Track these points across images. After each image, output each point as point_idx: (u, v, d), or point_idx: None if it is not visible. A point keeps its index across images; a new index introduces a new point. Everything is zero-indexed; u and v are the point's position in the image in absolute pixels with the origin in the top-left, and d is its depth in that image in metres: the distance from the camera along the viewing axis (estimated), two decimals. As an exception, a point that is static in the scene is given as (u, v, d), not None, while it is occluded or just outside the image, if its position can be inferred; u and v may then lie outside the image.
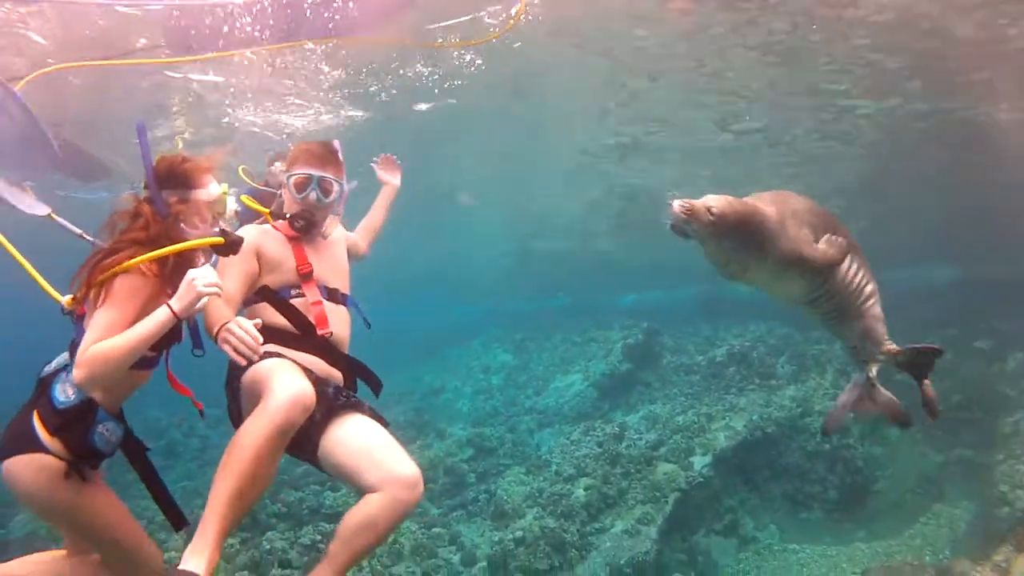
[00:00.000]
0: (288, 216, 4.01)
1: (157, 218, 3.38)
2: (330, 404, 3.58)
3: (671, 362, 18.94)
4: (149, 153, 3.40)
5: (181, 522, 3.93)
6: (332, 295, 4.06)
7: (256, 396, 3.31)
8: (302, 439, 3.46)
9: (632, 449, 13.85)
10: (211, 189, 3.50)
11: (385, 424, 3.75)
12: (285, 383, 3.21)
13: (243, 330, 3.21)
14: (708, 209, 4.41)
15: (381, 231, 4.99)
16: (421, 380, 24.69)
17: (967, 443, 15.70)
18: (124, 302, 3.19)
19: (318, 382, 3.54)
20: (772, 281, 5.04)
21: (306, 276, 3.94)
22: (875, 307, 5.58)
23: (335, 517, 12.49)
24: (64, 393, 3.34)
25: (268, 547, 10.56)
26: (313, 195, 3.95)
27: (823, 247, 4.84)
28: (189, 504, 13.89)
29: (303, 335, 3.83)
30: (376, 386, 4.13)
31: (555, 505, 12.50)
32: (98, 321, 3.16)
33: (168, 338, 3.36)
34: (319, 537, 11.25)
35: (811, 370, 16.95)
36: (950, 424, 16.08)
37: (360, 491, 3.43)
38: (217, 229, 3.49)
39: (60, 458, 3.31)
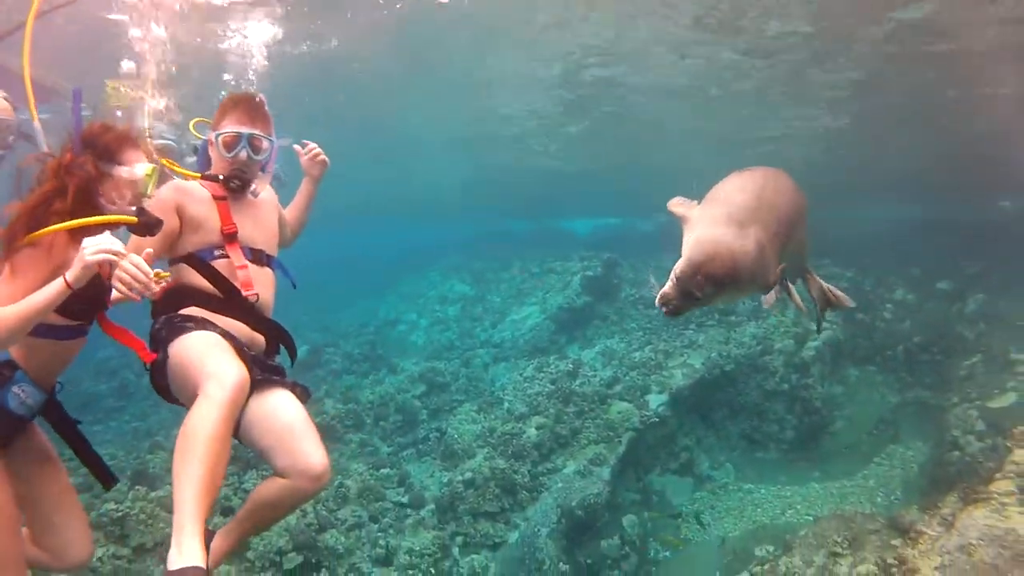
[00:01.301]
0: (222, 178, 3.90)
1: (79, 190, 3.28)
2: (253, 378, 3.46)
3: (630, 295, 18.48)
4: (81, 122, 3.38)
5: (110, 480, 4.03)
6: (257, 257, 3.97)
7: (187, 377, 3.32)
8: None
9: (586, 387, 13.47)
10: (136, 168, 3.39)
11: (307, 395, 3.79)
12: (223, 368, 3.18)
13: (133, 265, 3.09)
14: (693, 294, 4.07)
15: (302, 229, 4.82)
16: (376, 312, 24.16)
17: (925, 384, 15.67)
18: (27, 272, 3.15)
19: (242, 350, 3.52)
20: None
21: (230, 237, 3.85)
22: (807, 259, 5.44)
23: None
24: None
25: (209, 494, 10.03)
26: (244, 153, 3.86)
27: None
28: (140, 445, 13.44)
29: (227, 299, 3.77)
30: (293, 354, 4.12)
31: (506, 445, 12.13)
32: (5, 286, 3.13)
33: (94, 306, 3.46)
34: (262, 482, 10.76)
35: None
36: (909, 365, 16.06)
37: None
38: (134, 208, 3.39)
39: None
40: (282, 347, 4.11)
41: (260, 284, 3.90)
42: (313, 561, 9.58)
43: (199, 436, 2.95)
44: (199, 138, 5.97)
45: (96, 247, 3.02)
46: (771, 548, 10.91)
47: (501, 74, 14.08)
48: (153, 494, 9.27)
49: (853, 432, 14.82)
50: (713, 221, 4.28)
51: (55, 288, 3.04)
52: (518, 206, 33.41)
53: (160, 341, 3.58)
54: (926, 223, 23.95)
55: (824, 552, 8.73)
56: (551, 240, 25.60)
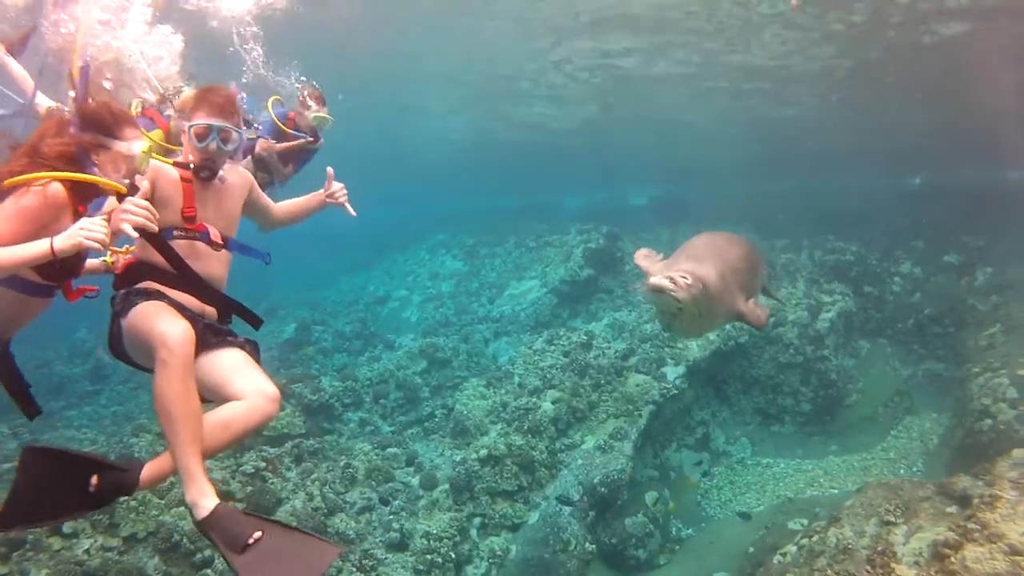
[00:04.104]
0: (192, 168, 4.06)
1: (75, 149, 3.61)
2: (200, 337, 3.75)
3: (634, 268, 17.84)
4: (84, 95, 3.97)
5: (35, 410, 4.26)
6: (212, 238, 4.16)
7: (140, 341, 3.61)
8: None
9: (601, 359, 12.84)
10: (133, 146, 3.70)
11: (257, 351, 4.15)
12: (168, 329, 3.42)
13: (136, 205, 3.50)
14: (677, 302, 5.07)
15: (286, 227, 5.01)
16: (364, 289, 23.33)
17: (937, 357, 15.39)
18: (15, 219, 3.40)
19: (192, 318, 3.76)
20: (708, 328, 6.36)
21: (189, 219, 4.05)
22: None
23: (279, 440, 11.26)
24: None
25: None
26: (214, 144, 4.01)
27: (754, 311, 5.91)
28: (121, 430, 12.63)
29: (179, 274, 3.99)
30: (255, 322, 4.41)
31: (521, 420, 11.45)
32: None
33: (68, 270, 3.77)
34: (263, 464, 10.01)
35: (782, 279, 16.13)
36: (921, 338, 15.73)
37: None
38: (127, 181, 3.70)
39: None
40: (244, 319, 4.39)
41: (213, 263, 4.13)
42: (323, 547, 8.88)
43: (167, 400, 3.32)
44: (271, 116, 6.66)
45: (91, 232, 3.28)
46: (805, 521, 10.42)
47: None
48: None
49: (868, 405, 14.43)
50: (675, 261, 5.54)
51: (40, 249, 3.28)
52: (505, 182, 32.72)
53: (116, 314, 3.84)
54: (924, 195, 23.75)
55: (875, 521, 8.24)
56: (541, 215, 24.87)
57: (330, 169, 4.91)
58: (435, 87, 17.44)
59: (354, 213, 5.13)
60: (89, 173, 3.61)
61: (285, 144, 6.82)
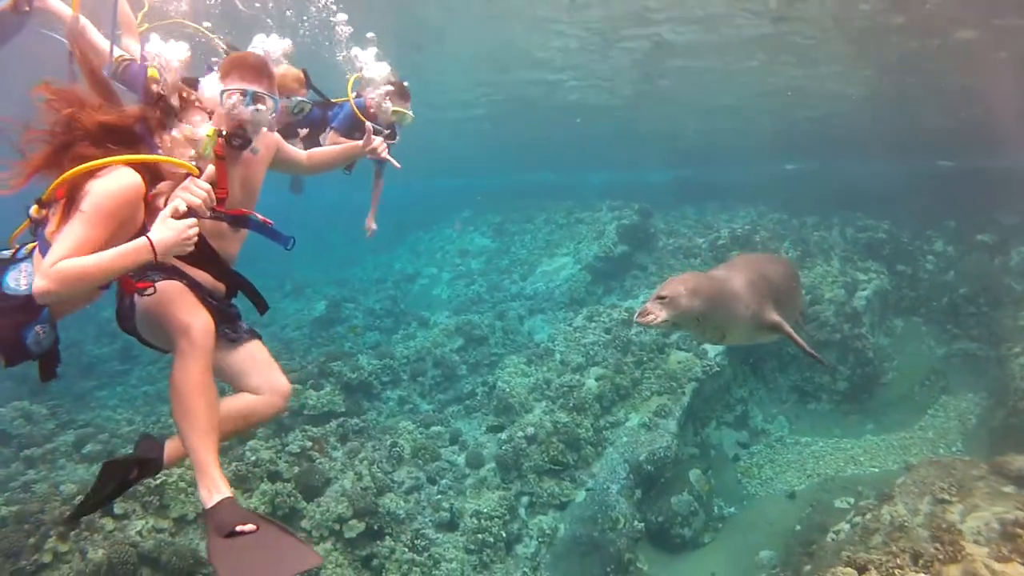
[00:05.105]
0: (224, 135, 3.86)
1: (139, 128, 3.34)
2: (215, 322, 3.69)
3: (668, 244, 17.84)
4: (144, 76, 3.79)
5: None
6: (235, 218, 4.09)
7: (157, 324, 3.58)
8: None
9: (643, 336, 12.81)
10: (199, 129, 3.48)
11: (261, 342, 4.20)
12: (191, 320, 3.43)
13: (199, 186, 3.34)
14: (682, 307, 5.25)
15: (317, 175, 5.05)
16: (391, 267, 23.32)
17: (972, 336, 15.29)
18: (95, 219, 3.06)
19: (205, 298, 3.74)
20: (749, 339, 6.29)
21: (220, 201, 3.89)
22: None
23: (322, 418, 11.30)
24: (16, 281, 3.21)
25: (253, 458, 9.21)
26: (247, 110, 3.83)
27: (785, 325, 5.95)
28: (155, 411, 12.71)
29: (199, 252, 3.70)
30: (262, 307, 4.27)
31: (566, 398, 11.48)
32: (72, 235, 3.01)
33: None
34: (309, 443, 10.03)
35: (816, 256, 16.08)
36: (955, 317, 15.64)
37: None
38: (195, 163, 3.46)
39: None
40: (251, 301, 4.29)
41: (230, 242, 4.10)
42: (375, 528, 8.89)
43: (185, 392, 3.35)
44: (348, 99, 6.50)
45: (191, 235, 3.19)
46: (851, 500, 10.45)
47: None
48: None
49: (904, 383, 14.40)
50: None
51: (141, 257, 3.09)
52: (530, 159, 32.49)
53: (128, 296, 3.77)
54: (953, 175, 23.55)
55: (929, 499, 8.25)
56: (565, 193, 24.75)
57: (369, 125, 4.87)
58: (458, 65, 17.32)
59: (399, 166, 5.21)
60: (155, 154, 3.38)
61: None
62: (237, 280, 4.18)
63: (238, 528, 3.18)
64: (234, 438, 7.38)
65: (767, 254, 6.59)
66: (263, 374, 3.93)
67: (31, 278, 3.15)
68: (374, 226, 7.63)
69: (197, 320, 3.46)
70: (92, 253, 3.02)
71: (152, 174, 3.34)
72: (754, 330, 5.89)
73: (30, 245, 3.33)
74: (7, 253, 3.35)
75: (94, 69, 3.39)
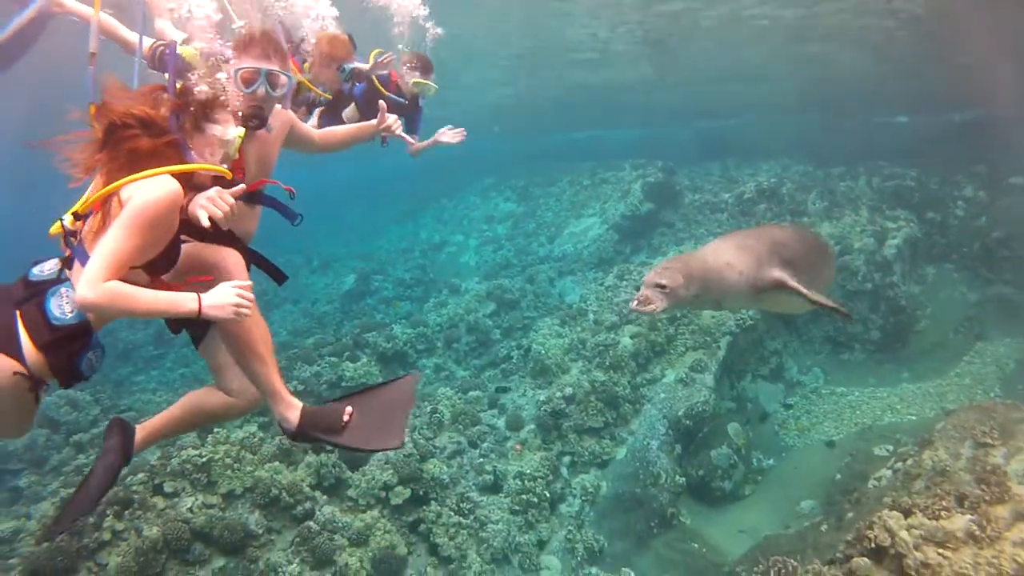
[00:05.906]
0: (241, 115, 3.78)
1: (175, 132, 3.28)
2: None
3: (694, 201, 17.78)
4: (175, 76, 3.61)
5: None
6: (251, 197, 4.09)
7: (201, 264, 3.60)
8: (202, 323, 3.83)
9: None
10: (228, 131, 3.46)
11: None
12: (222, 254, 3.61)
13: (224, 200, 3.31)
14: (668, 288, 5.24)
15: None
16: (417, 236, 23.42)
17: (1006, 280, 15.12)
18: (134, 229, 3.00)
19: None
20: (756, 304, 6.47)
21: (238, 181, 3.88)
22: None
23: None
24: (61, 309, 3.13)
25: (297, 433, 9.39)
26: (262, 89, 3.79)
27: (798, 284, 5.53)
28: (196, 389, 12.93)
29: (216, 231, 3.72)
30: (280, 278, 4.26)
31: (602, 357, 11.57)
32: (115, 244, 2.97)
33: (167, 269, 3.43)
34: (347, 418, 10.17)
35: (844, 206, 15.99)
36: (988, 262, 15.47)
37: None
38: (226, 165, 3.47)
39: (29, 374, 3.06)
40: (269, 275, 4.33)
41: (248, 220, 4.08)
42: (421, 493, 9.04)
43: (237, 331, 3.57)
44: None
45: (245, 304, 3.21)
46: (890, 447, 10.52)
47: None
48: (234, 435, 8.66)
49: (938, 331, 14.35)
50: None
51: (187, 307, 3.09)
52: (550, 120, 32.20)
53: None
54: (980, 123, 23.09)
55: (970, 443, 8.25)
56: (586, 153, 24.63)
57: (383, 103, 4.86)
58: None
59: (412, 142, 5.29)
60: (189, 160, 3.32)
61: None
62: (254, 257, 4.15)
63: (345, 418, 3.78)
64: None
65: (785, 226, 6.65)
66: (241, 377, 3.91)
67: (73, 304, 3.11)
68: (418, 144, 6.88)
69: (228, 254, 3.63)
70: (133, 261, 3.06)
71: (188, 179, 3.29)
72: (755, 293, 5.64)
73: (55, 262, 3.29)
74: (38, 273, 3.26)
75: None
